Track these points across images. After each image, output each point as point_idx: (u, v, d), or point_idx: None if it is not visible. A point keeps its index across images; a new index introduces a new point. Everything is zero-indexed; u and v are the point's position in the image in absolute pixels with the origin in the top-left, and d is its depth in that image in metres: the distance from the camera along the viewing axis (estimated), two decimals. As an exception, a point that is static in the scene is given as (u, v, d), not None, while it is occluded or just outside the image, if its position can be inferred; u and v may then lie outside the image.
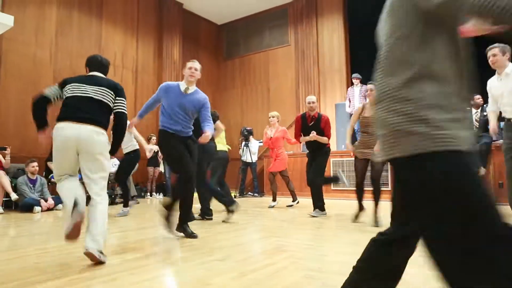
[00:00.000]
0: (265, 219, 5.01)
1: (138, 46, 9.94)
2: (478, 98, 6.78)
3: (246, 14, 11.74)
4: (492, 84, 3.83)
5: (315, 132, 5.13)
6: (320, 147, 5.20)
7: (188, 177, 3.49)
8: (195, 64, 3.75)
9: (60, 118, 2.69)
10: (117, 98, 2.85)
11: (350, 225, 4.31)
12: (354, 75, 8.50)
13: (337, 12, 10.01)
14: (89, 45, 8.81)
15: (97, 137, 2.66)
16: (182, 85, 3.69)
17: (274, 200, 6.62)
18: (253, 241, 3.50)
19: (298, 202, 6.65)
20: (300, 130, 5.40)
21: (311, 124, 5.28)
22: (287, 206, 6.52)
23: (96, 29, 9.00)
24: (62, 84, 2.83)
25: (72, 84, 2.78)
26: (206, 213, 4.90)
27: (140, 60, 9.93)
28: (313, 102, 5.31)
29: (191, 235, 3.52)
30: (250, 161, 8.94)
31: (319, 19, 10.26)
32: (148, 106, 3.83)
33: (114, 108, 2.86)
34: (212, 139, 4.88)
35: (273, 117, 6.61)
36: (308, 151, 5.41)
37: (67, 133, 2.62)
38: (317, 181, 5.21)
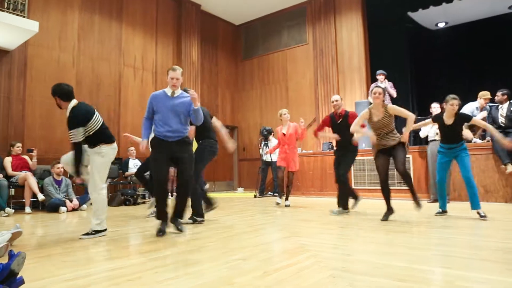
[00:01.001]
0: (286, 219, 4.99)
1: (157, 48, 10.06)
2: (503, 94, 6.59)
3: (263, 14, 11.73)
4: None
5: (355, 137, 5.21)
6: (349, 145, 5.25)
7: (160, 181, 3.75)
8: (176, 74, 3.83)
9: (111, 140, 3.82)
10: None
11: (374, 225, 4.25)
12: (379, 71, 8.35)
13: (356, 9, 9.89)
14: (110, 48, 8.98)
15: None
16: (168, 91, 3.86)
17: (287, 198, 6.65)
18: (275, 241, 3.48)
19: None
20: (324, 127, 5.60)
21: (339, 121, 5.40)
22: (286, 205, 6.52)
23: (116, 33, 9.15)
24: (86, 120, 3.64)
25: (96, 114, 3.75)
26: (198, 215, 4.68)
27: (159, 62, 10.06)
28: (337, 100, 5.47)
29: (177, 229, 3.85)
30: (270, 161, 8.92)
31: (337, 17, 10.16)
32: (149, 123, 3.92)
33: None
34: (214, 137, 4.90)
35: (284, 114, 6.61)
36: (336, 149, 5.54)
37: (115, 150, 3.84)
38: (346, 179, 5.31)
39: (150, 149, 3.91)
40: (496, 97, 6.67)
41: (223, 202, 7.41)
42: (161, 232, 3.69)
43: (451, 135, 4.80)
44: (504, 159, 6.26)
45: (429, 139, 7.03)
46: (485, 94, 6.99)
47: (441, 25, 11.43)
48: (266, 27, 11.80)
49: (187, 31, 10.63)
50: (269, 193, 9.51)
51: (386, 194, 4.67)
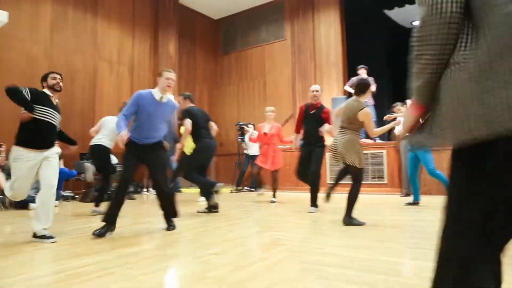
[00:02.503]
0: (261, 214, 5.02)
1: (134, 42, 9.88)
2: None
3: (242, 9, 11.69)
4: None
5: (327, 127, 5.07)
6: (319, 140, 5.14)
7: (122, 184, 3.57)
8: (173, 75, 3.74)
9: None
10: None
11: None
12: (360, 66, 8.42)
13: (334, 6, 9.98)
14: (85, 42, 8.76)
15: None
16: (156, 94, 3.67)
17: (260, 188, 6.83)
18: (249, 236, 3.51)
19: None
20: (302, 119, 5.34)
21: (312, 112, 5.19)
22: (272, 201, 6.53)
23: (92, 26, 8.94)
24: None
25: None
26: (212, 207, 5.06)
27: (136, 56, 9.89)
28: (317, 91, 5.20)
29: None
30: (253, 155, 8.89)
31: (315, 13, 10.23)
32: (127, 120, 3.61)
33: None
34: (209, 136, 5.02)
35: (271, 111, 6.51)
36: (303, 144, 5.29)
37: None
38: (318, 176, 5.15)
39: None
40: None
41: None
42: (99, 234, 3.35)
43: None
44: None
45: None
46: None
47: (416, 23, 11.62)
48: (245, 22, 11.77)
49: (165, 25, 10.48)
50: (246, 188, 9.53)
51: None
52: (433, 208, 5.22)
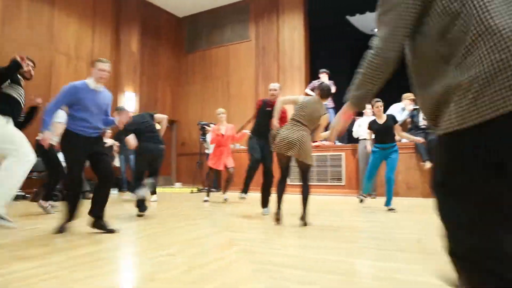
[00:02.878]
0: (219, 214, 5.01)
1: (94, 37, 9.56)
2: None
3: (208, 8, 11.61)
4: None
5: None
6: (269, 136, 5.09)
7: (73, 181, 3.50)
8: (107, 66, 3.63)
9: None
10: None
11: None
12: (322, 70, 8.57)
13: (298, 10, 10.12)
14: (40, 34, 8.38)
15: None
16: (91, 83, 3.59)
17: (224, 192, 6.82)
18: (205, 236, 3.48)
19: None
20: (258, 114, 5.29)
21: (267, 109, 5.13)
22: (224, 199, 6.70)
23: (48, 18, 8.56)
24: None
25: None
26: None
27: (96, 51, 9.57)
28: (275, 89, 5.19)
29: (109, 230, 3.51)
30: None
31: (280, 16, 10.33)
32: (55, 113, 3.55)
33: None
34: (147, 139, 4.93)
35: (223, 113, 6.61)
36: (256, 137, 5.20)
37: None
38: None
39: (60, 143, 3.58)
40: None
41: (159, 198, 7.25)
42: (62, 230, 3.44)
43: (384, 134, 5.29)
44: (423, 157, 6.81)
45: (360, 138, 7.40)
46: (409, 96, 7.49)
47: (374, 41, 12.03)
48: (210, 21, 11.69)
49: (127, 21, 10.22)
50: (205, 188, 9.46)
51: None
52: (386, 209, 5.39)
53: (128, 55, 10.18)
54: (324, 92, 4.13)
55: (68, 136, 3.51)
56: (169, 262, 2.44)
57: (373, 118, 5.63)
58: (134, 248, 2.92)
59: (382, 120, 5.41)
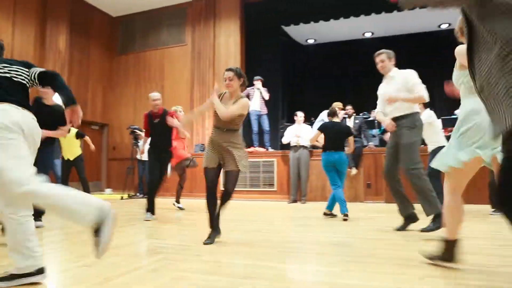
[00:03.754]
0: (146, 221, 4.89)
1: (15, 32, 8.89)
2: (350, 109, 7.62)
3: (143, 9, 11.31)
4: (381, 88, 4.16)
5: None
6: (165, 148, 5.20)
7: None
8: None
9: None
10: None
11: (229, 225, 4.44)
12: (256, 77, 8.72)
13: (235, 17, 10.24)
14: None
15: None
16: None
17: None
18: (128, 244, 3.39)
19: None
20: (148, 128, 5.27)
21: (156, 121, 5.15)
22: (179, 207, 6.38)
23: (-39, 7, 7.82)
24: None
25: None
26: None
27: (17, 48, 8.89)
28: (158, 99, 5.18)
29: None
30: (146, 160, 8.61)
31: (217, 22, 10.37)
32: None
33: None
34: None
35: (180, 111, 6.26)
36: (153, 150, 5.17)
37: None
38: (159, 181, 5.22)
39: None
40: (346, 110, 7.66)
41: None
42: None
43: (334, 141, 5.10)
44: (349, 163, 7.20)
45: (291, 144, 7.65)
46: (338, 105, 7.91)
47: (311, 41, 12.56)
48: (146, 23, 11.40)
49: (54, 16, 9.63)
50: (137, 193, 9.20)
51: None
52: (316, 214, 5.62)
53: (55, 53, 9.60)
54: None
55: None
56: (85, 274, 2.35)
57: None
58: (51, 259, 2.77)
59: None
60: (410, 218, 3.95)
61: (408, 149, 3.80)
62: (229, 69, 3.58)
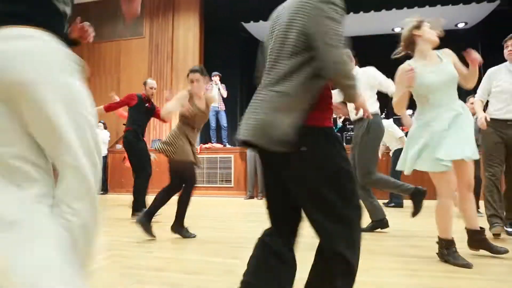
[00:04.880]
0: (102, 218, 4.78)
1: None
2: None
3: (98, -1, 10.94)
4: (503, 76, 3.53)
5: None
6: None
7: None
8: None
9: None
10: None
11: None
12: (214, 72, 8.68)
13: (194, 11, 10.13)
14: None
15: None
16: None
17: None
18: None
19: None
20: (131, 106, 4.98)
21: (147, 105, 5.01)
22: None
23: None
24: None
25: None
26: None
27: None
28: (155, 88, 5.17)
29: None
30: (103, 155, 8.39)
31: (175, 15, 10.22)
32: None
33: None
34: None
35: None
36: (136, 134, 4.93)
37: None
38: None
39: None
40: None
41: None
42: None
43: None
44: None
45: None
46: None
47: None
48: (101, 13, 11.01)
49: None
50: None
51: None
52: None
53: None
54: None
55: None
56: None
57: None
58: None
59: None
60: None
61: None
62: (195, 70, 3.60)
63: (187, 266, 2.48)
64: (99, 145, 1.24)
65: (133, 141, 4.86)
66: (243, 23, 11.21)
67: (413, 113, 3.00)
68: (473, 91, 3.62)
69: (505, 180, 3.62)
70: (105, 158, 8.51)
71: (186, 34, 10.08)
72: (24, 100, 1.05)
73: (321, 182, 1.23)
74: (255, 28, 11.56)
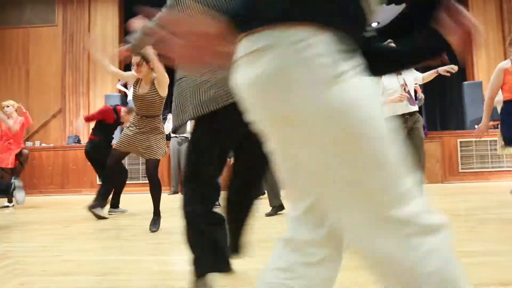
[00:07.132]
0: (6, 222, 4.36)
1: None
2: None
3: (2, -20, 9.87)
4: None
5: None
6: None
7: None
8: None
9: None
10: None
11: (103, 221, 4.22)
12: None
13: (112, 1, 9.60)
14: None
15: None
16: None
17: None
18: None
19: None
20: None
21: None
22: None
23: None
24: None
25: None
26: None
27: None
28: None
29: None
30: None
31: (92, 3, 9.59)
32: None
33: None
34: None
35: (8, 106, 5.91)
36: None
37: None
38: None
39: None
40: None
41: None
42: None
43: None
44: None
45: (171, 135, 7.55)
46: None
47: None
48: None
49: None
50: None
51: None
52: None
53: None
54: None
55: None
56: None
57: None
58: None
59: None
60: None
61: None
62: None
63: (99, 267, 2.34)
64: None
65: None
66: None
67: None
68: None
69: None
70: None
71: (104, 24, 9.53)
72: None
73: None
74: (179, 20, 11.32)
